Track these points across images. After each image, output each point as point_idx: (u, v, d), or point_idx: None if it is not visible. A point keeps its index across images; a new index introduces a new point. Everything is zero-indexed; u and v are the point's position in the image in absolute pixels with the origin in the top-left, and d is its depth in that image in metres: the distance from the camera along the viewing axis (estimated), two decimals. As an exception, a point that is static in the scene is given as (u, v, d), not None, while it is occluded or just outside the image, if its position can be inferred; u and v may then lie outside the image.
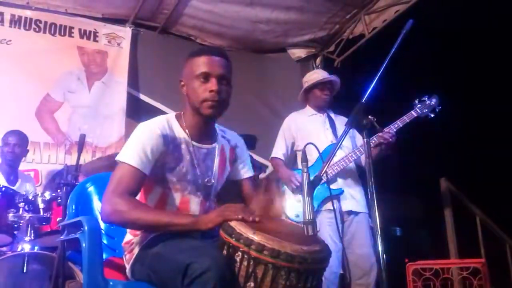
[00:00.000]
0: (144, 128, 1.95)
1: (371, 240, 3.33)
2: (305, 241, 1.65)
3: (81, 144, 3.12)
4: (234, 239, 1.60)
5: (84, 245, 1.85)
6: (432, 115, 3.49)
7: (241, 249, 1.58)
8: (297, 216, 3.40)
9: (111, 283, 1.86)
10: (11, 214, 3.27)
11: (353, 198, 3.44)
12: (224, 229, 1.65)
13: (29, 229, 3.26)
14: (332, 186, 3.40)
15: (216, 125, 2.15)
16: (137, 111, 5.09)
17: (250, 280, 1.57)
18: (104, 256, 2.02)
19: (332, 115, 3.75)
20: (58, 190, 3.48)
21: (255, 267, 1.57)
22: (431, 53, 6.59)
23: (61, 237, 2.14)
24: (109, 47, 5.20)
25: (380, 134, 3.25)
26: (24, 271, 3.02)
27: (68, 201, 2.37)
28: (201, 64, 1.95)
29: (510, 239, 4.90)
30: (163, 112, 4.68)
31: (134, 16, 5.21)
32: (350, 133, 3.57)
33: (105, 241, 2.26)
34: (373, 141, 3.28)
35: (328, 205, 3.32)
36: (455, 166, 6.28)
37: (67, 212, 2.36)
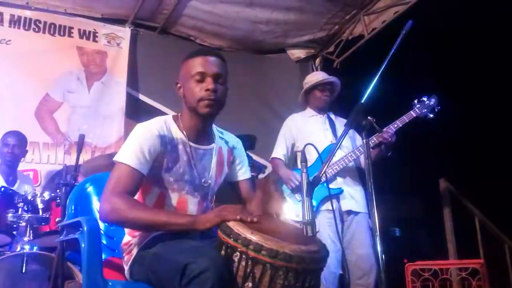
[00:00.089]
0: (141, 128, 1.97)
1: (370, 240, 3.33)
2: (303, 241, 1.65)
3: (80, 144, 3.12)
4: (232, 239, 1.61)
5: (83, 245, 1.85)
6: (431, 115, 3.49)
7: (239, 249, 1.59)
8: (297, 215, 3.40)
9: (110, 283, 1.86)
10: (10, 214, 3.26)
11: (353, 198, 3.44)
12: (222, 230, 1.65)
13: (28, 229, 3.25)
14: (332, 186, 3.40)
15: (214, 127, 2.17)
16: (136, 111, 5.09)
17: (248, 280, 1.57)
18: (103, 256, 2.03)
19: (332, 116, 3.75)
20: (57, 190, 3.48)
21: (253, 267, 1.57)
22: (431, 54, 6.60)
23: (60, 238, 2.14)
24: (109, 47, 5.20)
25: (379, 134, 3.26)
26: (23, 271, 3.01)
27: (67, 201, 2.37)
28: (197, 64, 1.98)
29: (509, 239, 4.90)
30: (162, 113, 4.70)
31: (134, 16, 5.21)
32: (350, 134, 3.57)
33: (104, 242, 2.26)
34: (373, 141, 3.29)
35: (328, 205, 3.32)
36: (454, 166, 6.29)
37: (66, 213, 2.37)
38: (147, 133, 1.94)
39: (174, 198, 2.00)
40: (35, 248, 3.20)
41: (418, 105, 3.49)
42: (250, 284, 1.57)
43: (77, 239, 1.90)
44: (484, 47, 6.29)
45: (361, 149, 3.38)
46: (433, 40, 6.37)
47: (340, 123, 3.68)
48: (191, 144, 2.03)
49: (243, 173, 2.25)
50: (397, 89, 4.41)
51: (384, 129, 3.30)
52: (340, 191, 3.42)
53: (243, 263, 1.58)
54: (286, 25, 5.48)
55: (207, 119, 2.05)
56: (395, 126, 3.40)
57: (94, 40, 5.13)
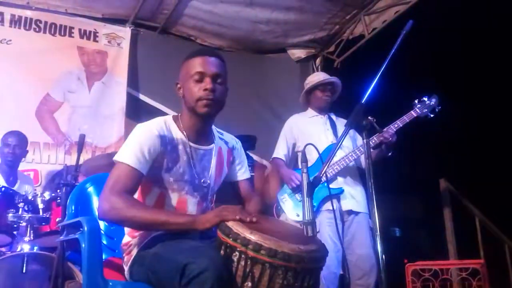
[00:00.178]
0: (142, 128, 1.98)
1: (371, 240, 3.33)
2: (302, 240, 1.66)
3: (80, 144, 3.12)
4: (231, 239, 1.61)
5: (83, 245, 1.85)
6: (432, 115, 3.49)
7: (238, 249, 1.59)
8: (297, 215, 3.41)
9: (110, 283, 1.86)
10: (10, 214, 3.26)
11: (353, 197, 3.45)
12: (222, 230, 1.66)
13: (28, 229, 3.25)
14: (332, 185, 3.40)
15: (214, 127, 2.18)
16: (136, 111, 5.09)
17: (248, 279, 1.58)
18: (104, 256, 2.03)
19: (333, 117, 3.76)
20: (58, 190, 3.48)
21: (253, 267, 1.58)
22: (431, 54, 6.60)
23: (61, 238, 2.14)
24: (109, 47, 5.20)
25: (380, 134, 3.26)
26: (24, 271, 3.01)
27: (68, 201, 2.38)
28: (196, 64, 1.99)
29: (509, 240, 4.90)
30: (162, 113, 4.70)
31: (134, 16, 5.21)
32: (351, 134, 3.58)
33: (104, 242, 2.26)
34: (373, 141, 3.29)
35: (328, 205, 3.33)
36: (455, 166, 6.29)
37: (66, 213, 2.37)
38: (147, 133, 1.95)
39: (174, 198, 2.01)
40: (35, 248, 3.20)
41: (418, 105, 3.49)
42: (250, 284, 1.58)
43: (77, 239, 1.90)
44: (484, 47, 6.29)
45: (361, 149, 3.38)
46: (434, 40, 6.37)
47: (341, 123, 3.68)
48: (191, 144, 2.04)
49: (243, 173, 2.26)
50: (397, 89, 4.41)
51: (385, 129, 3.31)
52: (341, 191, 3.42)
53: (242, 262, 1.59)
54: (287, 25, 5.48)
55: (206, 119, 2.05)
56: (396, 126, 3.40)
57: (95, 40, 5.13)
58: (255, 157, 4.95)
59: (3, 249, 3.37)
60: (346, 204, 3.42)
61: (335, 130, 3.64)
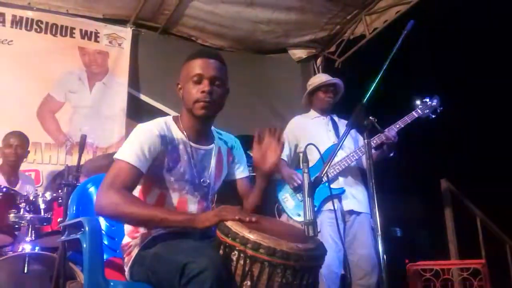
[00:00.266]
0: (142, 128, 1.99)
1: (372, 240, 3.33)
2: (300, 239, 1.67)
3: (82, 144, 3.12)
4: (230, 238, 1.62)
5: (84, 245, 1.85)
6: (433, 116, 3.49)
7: (237, 248, 1.60)
8: (298, 215, 3.41)
9: (111, 283, 1.86)
10: (12, 215, 3.26)
11: (355, 198, 3.45)
12: (221, 229, 1.67)
13: (30, 229, 3.26)
14: (334, 186, 3.41)
15: (212, 128, 2.19)
16: (137, 112, 5.10)
17: (247, 278, 1.59)
18: (105, 256, 2.03)
19: (336, 118, 3.76)
20: (59, 191, 3.49)
21: (252, 266, 1.58)
22: (432, 54, 6.59)
23: (62, 238, 2.14)
24: (110, 48, 5.21)
25: (381, 134, 3.26)
26: (25, 271, 3.01)
27: (69, 201, 2.38)
28: (195, 66, 2.01)
29: (510, 239, 4.89)
30: (163, 113, 4.70)
31: (135, 17, 5.22)
32: (353, 134, 3.58)
33: (105, 242, 2.26)
34: (374, 142, 3.30)
35: (329, 205, 3.32)
36: (456, 166, 6.28)
37: (68, 213, 2.37)
38: (147, 132, 1.96)
39: (174, 198, 2.01)
40: (36, 248, 3.20)
41: (420, 106, 3.49)
42: (249, 283, 1.59)
43: (78, 239, 1.90)
44: (486, 47, 6.28)
45: (363, 149, 3.38)
46: (435, 40, 6.36)
47: (343, 124, 3.68)
48: (192, 144, 2.05)
49: (241, 171, 2.27)
50: (398, 89, 4.40)
51: (386, 130, 3.31)
52: (342, 191, 3.42)
53: (242, 261, 1.60)
54: (287, 25, 5.49)
55: (205, 121, 2.07)
56: (397, 126, 3.40)
57: (96, 41, 5.14)
58: (256, 157, 4.93)
59: (5, 249, 3.37)
60: (348, 204, 3.42)
61: (337, 131, 3.64)
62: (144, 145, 1.91)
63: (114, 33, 5.23)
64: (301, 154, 3.66)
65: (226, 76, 2.06)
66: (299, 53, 6.06)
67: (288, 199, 3.51)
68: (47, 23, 4.92)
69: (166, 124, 2.04)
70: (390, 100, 3.63)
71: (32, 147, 4.36)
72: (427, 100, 3.51)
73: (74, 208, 2.31)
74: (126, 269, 1.98)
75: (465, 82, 6.45)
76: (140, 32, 5.38)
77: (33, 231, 3.26)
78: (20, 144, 4.05)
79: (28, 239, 3.23)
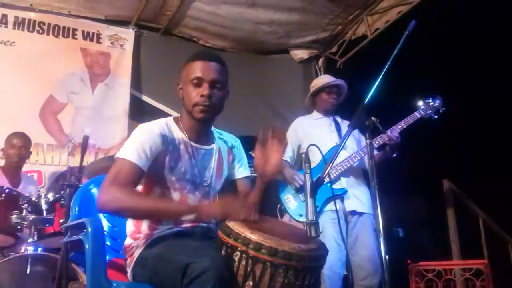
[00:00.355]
0: (143, 128, 2.01)
1: (375, 241, 3.32)
2: (302, 239, 1.68)
3: (84, 145, 3.13)
4: (232, 239, 1.63)
5: (87, 246, 1.86)
6: (436, 117, 3.49)
7: (239, 248, 1.61)
8: (301, 215, 3.41)
9: (114, 284, 1.87)
10: (14, 216, 3.26)
11: (357, 198, 3.44)
12: (222, 230, 1.68)
13: (32, 230, 3.26)
14: (336, 186, 3.40)
15: (213, 128, 2.20)
16: (140, 113, 5.10)
17: (249, 279, 1.60)
18: (107, 257, 2.03)
19: (339, 119, 3.76)
20: (61, 192, 3.49)
21: (254, 266, 1.59)
22: (434, 54, 6.58)
23: (65, 239, 2.15)
24: (112, 49, 5.21)
25: (383, 135, 3.26)
26: (27, 272, 3.01)
27: (72, 202, 2.38)
28: (196, 69, 2.01)
29: (513, 240, 4.89)
30: (166, 114, 4.71)
31: (137, 18, 5.22)
32: (355, 135, 3.58)
33: (108, 243, 2.26)
34: (377, 142, 3.29)
35: (331, 206, 3.32)
36: (458, 167, 6.27)
37: (70, 214, 2.37)
38: (148, 132, 1.98)
39: (175, 197, 2.02)
40: (39, 249, 3.20)
41: (422, 106, 3.48)
42: (251, 283, 1.59)
43: (81, 240, 1.91)
44: (488, 47, 6.27)
45: (365, 150, 3.38)
46: (437, 40, 6.36)
47: (346, 125, 3.67)
48: (192, 144, 2.07)
49: (242, 171, 2.28)
50: (400, 90, 4.40)
51: (388, 131, 3.31)
52: (344, 191, 3.42)
53: (244, 262, 1.60)
54: (289, 26, 5.49)
55: (204, 123, 2.08)
56: (400, 127, 3.40)
57: (98, 42, 5.15)
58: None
59: (7, 251, 3.37)
60: (350, 204, 3.42)
61: (340, 132, 3.64)
62: (145, 144, 1.93)
63: (116, 34, 5.24)
64: (303, 155, 3.68)
65: (226, 79, 2.07)
66: (301, 54, 6.07)
67: (290, 200, 3.52)
68: (49, 24, 4.93)
69: (167, 125, 2.05)
70: (392, 100, 3.62)
71: (34, 148, 4.37)
72: (430, 100, 3.50)
73: (77, 209, 2.32)
74: (129, 270, 1.98)
75: (468, 82, 6.44)
76: (142, 33, 5.39)
77: (35, 232, 3.26)
78: (23, 145, 4.06)
79: (30, 240, 3.23)
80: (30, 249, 3.16)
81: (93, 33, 5.13)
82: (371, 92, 1.89)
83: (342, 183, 3.45)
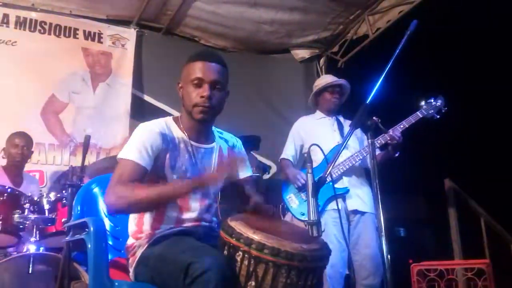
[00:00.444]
0: (143, 127, 2.02)
1: (377, 240, 3.32)
2: (304, 239, 1.67)
3: (86, 145, 3.13)
4: (234, 239, 1.63)
5: (89, 246, 1.86)
6: (438, 116, 3.48)
7: (241, 248, 1.61)
8: (303, 214, 3.41)
9: (116, 283, 1.87)
10: (16, 215, 3.28)
11: (359, 197, 3.45)
12: (225, 230, 1.68)
13: (34, 230, 3.27)
14: (338, 185, 3.41)
15: (213, 128, 2.20)
16: (141, 112, 5.10)
17: (251, 279, 1.60)
18: (110, 256, 2.03)
19: (341, 119, 3.77)
20: (63, 191, 3.50)
21: (256, 266, 1.59)
22: (436, 54, 6.58)
23: (67, 238, 2.15)
24: (113, 49, 5.21)
25: (385, 134, 3.26)
26: (30, 271, 3.03)
27: (74, 202, 2.38)
28: (196, 69, 2.02)
29: (514, 239, 4.88)
30: (167, 113, 4.71)
31: (138, 18, 5.23)
32: (358, 135, 3.59)
33: (110, 242, 2.27)
34: (379, 142, 3.29)
35: (333, 205, 3.33)
36: (460, 166, 6.26)
37: (72, 213, 2.38)
38: (148, 131, 1.99)
39: None
40: (41, 248, 3.21)
41: (424, 106, 3.48)
42: (253, 283, 1.59)
43: (83, 239, 1.91)
44: (489, 47, 6.26)
45: (367, 149, 3.38)
46: (438, 40, 6.35)
47: (349, 125, 3.68)
48: (192, 143, 2.07)
49: (244, 171, 2.27)
50: (401, 89, 4.39)
51: (390, 130, 3.31)
52: (346, 190, 3.42)
53: (246, 262, 1.60)
54: (290, 25, 5.49)
55: (204, 123, 2.08)
56: (401, 126, 3.39)
57: (99, 41, 5.15)
58: (259, 157, 4.94)
59: (9, 250, 3.39)
60: (352, 204, 3.43)
61: (342, 132, 3.65)
62: (146, 144, 1.94)
63: (117, 34, 5.24)
64: (306, 154, 3.69)
65: (226, 79, 2.07)
66: (302, 53, 6.07)
67: (292, 199, 3.52)
68: (50, 24, 4.93)
69: (167, 124, 2.06)
70: (393, 100, 3.61)
71: (36, 148, 4.37)
72: (432, 100, 3.50)
73: (79, 209, 2.32)
74: (131, 269, 1.98)
75: (469, 82, 6.44)
76: (143, 32, 5.39)
77: (37, 232, 3.27)
78: (25, 144, 4.07)
79: (32, 239, 3.24)
80: (32, 249, 3.17)
81: (94, 33, 5.14)
82: (373, 92, 1.89)
83: (344, 182, 3.45)
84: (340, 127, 3.68)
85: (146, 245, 1.95)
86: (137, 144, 1.93)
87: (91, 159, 4.61)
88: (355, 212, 3.42)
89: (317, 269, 1.70)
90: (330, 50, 6.05)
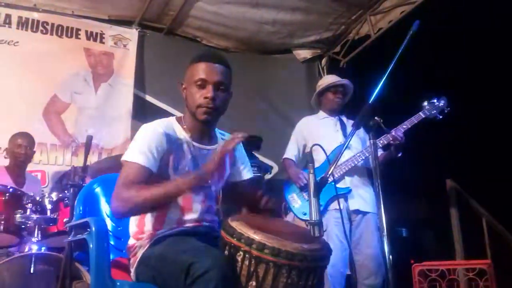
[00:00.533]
0: (147, 128, 2.01)
1: (378, 240, 3.32)
2: (305, 239, 1.67)
3: (88, 145, 3.13)
4: (235, 239, 1.63)
5: (91, 246, 1.86)
6: (441, 117, 3.48)
7: (242, 248, 1.61)
8: (305, 214, 3.42)
9: (118, 283, 1.87)
10: (18, 215, 3.28)
11: (361, 197, 3.45)
12: (225, 230, 1.68)
13: (36, 230, 3.27)
14: (340, 185, 3.41)
15: (216, 129, 2.20)
16: (143, 113, 5.10)
17: (252, 279, 1.60)
18: (111, 256, 2.03)
19: (344, 119, 3.77)
20: (65, 191, 3.50)
21: (257, 266, 1.59)
22: (438, 54, 6.57)
23: (69, 238, 2.15)
24: (115, 49, 5.22)
25: (388, 135, 3.27)
26: (32, 271, 3.03)
27: (76, 202, 2.39)
28: (200, 70, 2.01)
29: (516, 240, 4.87)
30: (169, 114, 4.71)
31: (140, 18, 5.23)
32: (360, 135, 3.59)
33: (112, 242, 2.27)
34: (381, 142, 3.29)
35: (335, 205, 3.33)
36: (461, 166, 6.26)
37: (74, 213, 2.38)
38: (153, 132, 1.97)
39: (179, 196, 2.01)
40: (43, 248, 3.21)
41: (427, 106, 3.47)
42: (254, 283, 1.60)
43: (85, 239, 1.91)
44: (491, 47, 6.26)
45: (369, 149, 3.38)
46: (440, 40, 6.34)
47: (351, 125, 3.68)
48: (195, 144, 2.07)
49: (246, 172, 2.27)
50: (403, 89, 4.39)
51: (393, 130, 3.31)
52: (348, 190, 3.42)
53: (247, 262, 1.60)
54: (292, 26, 5.49)
55: (207, 124, 2.08)
56: (404, 127, 3.39)
57: (101, 42, 5.16)
58: (260, 158, 4.95)
59: (11, 250, 3.39)
60: (354, 203, 3.43)
61: (345, 132, 3.65)
62: (151, 145, 1.93)
63: (119, 34, 5.25)
64: (308, 155, 3.69)
65: (230, 80, 2.07)
66: (304, 54, 6.06)
67: (294, 199, 3.53)
68: (52, 24, 4.94)
69: (170, 124, 2.06)
70: (395, 100, 3.61)
71: (38, 148, 4.37)
72: (435, 101, 3.49)
73: (81, 209, 2.33)
74: (132, 270, 1.98)
75: (471, 82, 6.43)
76: (145, 33, 5.39)
77: (39, 232, 3.27)
78: (28, 144, 4.07)
79: (34, 239, 3.24)
80: (34, 248, 3.17)
81: (96, 33, 5.14)
82: (375, 92, 1.89)
83: (346, 182, 3.45)
84: (343, 127, 3.69)
85: (147, 246, 1.95)
86: (142, 146, 1.93)
87: (93, 159, 4.61)
88: (357, 212, 3.42)
89: (318, 269, 1.69)
90: (332, 50, 6.05)
